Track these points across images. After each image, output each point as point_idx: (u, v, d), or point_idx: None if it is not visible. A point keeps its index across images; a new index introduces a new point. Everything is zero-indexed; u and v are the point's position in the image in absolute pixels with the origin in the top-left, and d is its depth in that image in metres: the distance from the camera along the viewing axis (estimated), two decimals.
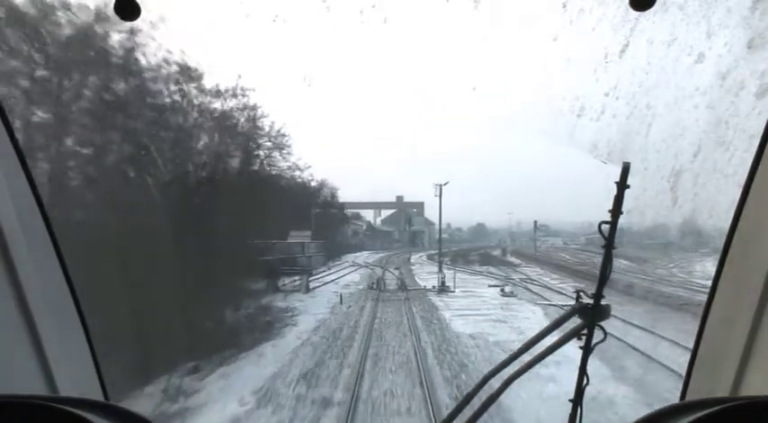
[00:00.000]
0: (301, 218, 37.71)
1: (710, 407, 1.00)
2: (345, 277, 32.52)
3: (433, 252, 55.29)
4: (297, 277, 26.59)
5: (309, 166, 31.67)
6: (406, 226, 63.82)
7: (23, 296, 1.37)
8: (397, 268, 37.51)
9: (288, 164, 30.00)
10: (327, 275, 32.75)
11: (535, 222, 52.36)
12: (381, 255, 53.68)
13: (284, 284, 25.72)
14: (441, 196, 36.26)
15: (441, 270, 33.39)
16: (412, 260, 48.33)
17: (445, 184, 35.80)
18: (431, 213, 64.19)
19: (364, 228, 60.84)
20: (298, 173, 31.78)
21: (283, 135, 27.79)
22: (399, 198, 62.49)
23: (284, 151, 29.07)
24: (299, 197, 39.61)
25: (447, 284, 26.84)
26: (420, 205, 61.67)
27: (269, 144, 28.05)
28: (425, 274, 34.09)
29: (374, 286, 27.58)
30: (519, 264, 42.40)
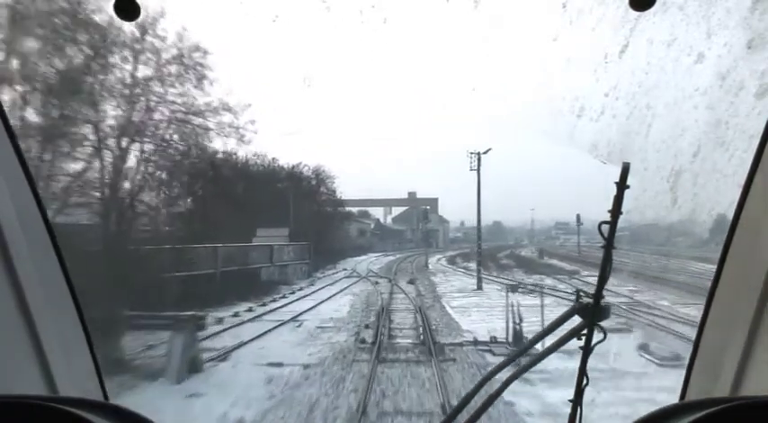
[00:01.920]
0: (279, 212, 29.23)
1: (710, 407, 1.00)
2: (323, 306, 18.53)
3: (452, 253, 49.19)
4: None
5: (249, 105, 22.69)
6: (419, 224, 56.54)
7: (23, 296, 1.37)
8: (411, 282, 26.56)
9: (208, 99, 16.74)
10: (293, 301, 19.53)
11: (578, 216, 41.39)
12: (391, 257, 46.15)
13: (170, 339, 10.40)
14: (479, 169, 26.84)
15: (480, 285, 23.66)
16: (430, 266, 37.10)
17: (486, 153, 27.06)
18: (444, 211, 60.62)
19: (372, 226, 54.70)
20: (229, 118, 17.79)
21: (203, 51, 15.76)
22: (411, 194, 56.16)
23: (205, 81, 16.13)
24: (266, 181, 31.21)
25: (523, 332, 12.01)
26: (434, 202, 54.67)
27: (179, 69, 15.51)
28: (458, 295, 21.26)
29: (367, 339, 13.03)
30: (575, 270, 30.33)
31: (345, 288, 24.73)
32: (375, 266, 37.38)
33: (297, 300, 20.53)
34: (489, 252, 47.63)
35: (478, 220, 28.76)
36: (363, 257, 44.46)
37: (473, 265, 37.14)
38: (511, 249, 52.65)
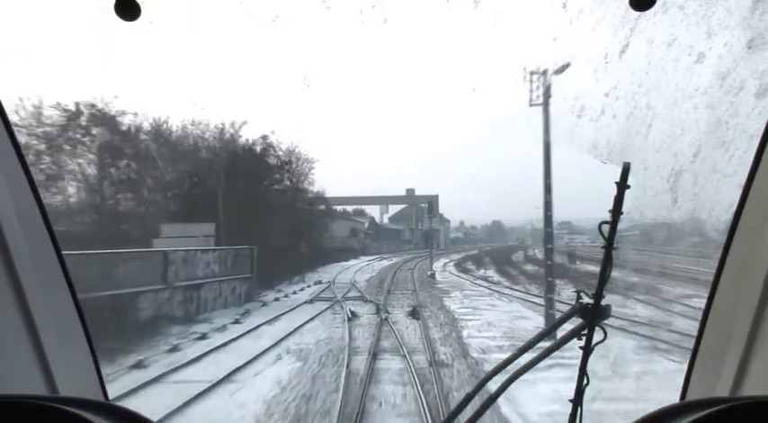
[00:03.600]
0: (210, 201, 19.85)
1: (710, 407, 1.00)
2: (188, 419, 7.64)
3: (457, 256, 44.02)
4: None
5: None
6: (418, 223, 53.22)
7: (23, 296, 1.37)
8: (413, 314, 16.02)
9: None
10: (137, 389, 8.68)
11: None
12: (386, 262, 39.46)
13: None
14: (547, 103, 14.56)
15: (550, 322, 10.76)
16: (438, 276, 27.98)
17: (561, 72, 14.18)
18: (443, 210, 58.61)
19: (366, 225, 50.73)
20: None
21: None
22: (410, 191, 51.39)
23: None
24: (191, 154, 21.15)
25: None
26: (434, 199, 48.30)
27: None
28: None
29: None
30: (640, 283, 18.73)
31: (292, 333, 13.65)
32: (363, 277, 27.85)
33: (151, 382, 9.52)
34: (499, 253, 43.27)
35: (547, 201, 14.70)
36: (352, 262, 36.82)
37: (492, 274, 29.70)
38: (522, 251, 48.16)
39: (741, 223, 1.49)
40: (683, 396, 1.64)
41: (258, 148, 25.70)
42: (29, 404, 1.02)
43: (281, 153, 27.01)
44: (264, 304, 19.43)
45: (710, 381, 1.53)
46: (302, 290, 23.26)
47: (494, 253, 45.56)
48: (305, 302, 19.64)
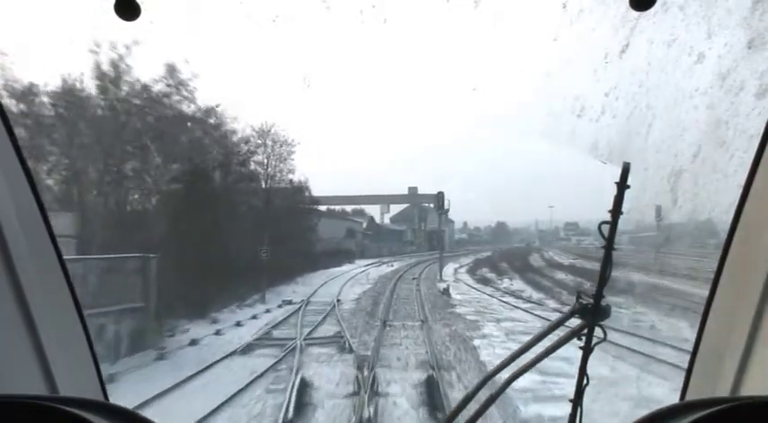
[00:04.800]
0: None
1: (710, 407, 1.00)
2: None
3: (466, 260, 40.39)
4: None
5: None
6: (421, 223, 50.38)
7: (23, 296, 1.37)
8: (429, 398, 8.57)
9: None
10: None
11: (658, 208, 23.88)
12: (385, 268, 34.41)
13: None
14: None
15: None
16: (453, 291, 20.95)
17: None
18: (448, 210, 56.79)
19: (364, 226, 47.33)
20: None
21: None
22: (412, 190, 48.02)
23: None
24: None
25: None
26: (439, 197, 42.77)
27: None
28: None
29: None
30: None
31: None
32: (352, 293, 20.68)
33: None
34: (513, 256, 39.38)
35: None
36: (345, 269, 31.19)
37: (522, 287, 21.99)
38: (536, 253, 44.91)
39: (741, 223, 1.48)
40: (682, 396, 1.63)
41: (161, 89, 14.32)
42: (29, 404, 1.02)
43: (196, 93, 15.69)
44: (162, 356, 11.78)
45: (710, 381, 1.53)
46: (254, 317, 15.68)
47: (507, 256, 41.19)
48: (235, 352, 11.94)
